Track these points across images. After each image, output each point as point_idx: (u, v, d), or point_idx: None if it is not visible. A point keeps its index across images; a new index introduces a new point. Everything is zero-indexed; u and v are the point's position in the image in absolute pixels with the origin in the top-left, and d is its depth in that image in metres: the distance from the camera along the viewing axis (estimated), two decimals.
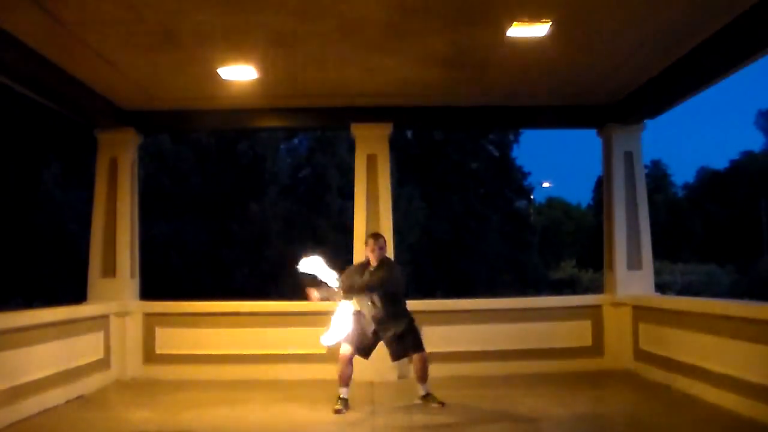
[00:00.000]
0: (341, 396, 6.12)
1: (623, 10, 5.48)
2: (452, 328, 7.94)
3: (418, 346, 6.19)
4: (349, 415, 5.98)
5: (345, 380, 6.15)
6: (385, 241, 6.45)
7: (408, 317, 6.24)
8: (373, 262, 6.25)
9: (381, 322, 6.14)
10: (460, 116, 8.62)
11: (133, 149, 8.37)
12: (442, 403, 6.14)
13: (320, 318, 7.91)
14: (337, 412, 6.00)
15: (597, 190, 40.30)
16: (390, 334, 6.13)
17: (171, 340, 7.91)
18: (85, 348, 7.08)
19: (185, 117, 8.44)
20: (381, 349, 6.28)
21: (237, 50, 6.32)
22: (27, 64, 6.13)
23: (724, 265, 31.93)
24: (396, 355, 6.26)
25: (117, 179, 8.17)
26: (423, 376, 6.23)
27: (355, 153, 8.37)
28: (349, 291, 6.07)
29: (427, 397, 6.22)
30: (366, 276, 6.17)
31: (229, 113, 8.31)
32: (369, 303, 6.14)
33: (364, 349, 6.22)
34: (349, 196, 9.38)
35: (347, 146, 22.55)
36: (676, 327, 6.86)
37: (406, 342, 6.15)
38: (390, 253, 8.06)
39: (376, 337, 6.21)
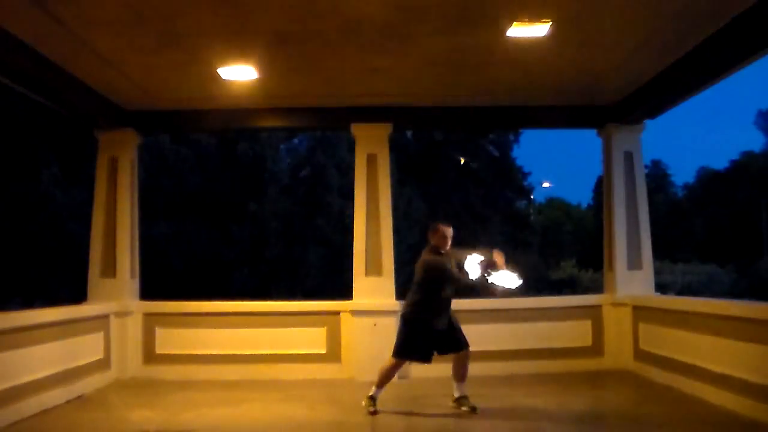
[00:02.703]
0: (375, 396, 5.99)
1: (623, 10, 5.48)
2: None
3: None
4: (350, 416, 5.97)
5: (386, 383, 6.07)
6: None
7: None
8: (446, 252, 6.13)
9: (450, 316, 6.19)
10: (460, 116, 8.61)
11: (133, 149, 8.39)
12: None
13: (320, 318, 7.99)
14: (374, 413, 5.91)
15: (597, 190, 40.37)
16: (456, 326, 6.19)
17: (171, 340, 7.92)
18: (85, 348, 7.09)
19: (185, 117, 8.44)
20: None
21: (237, 50, 6.32)
22: (27, 64, 6.13)
23: (724, 265, 31.91)
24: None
25: (117, 179, 8.18)
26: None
27: (355, 153, 8.37)
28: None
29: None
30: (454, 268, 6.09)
31: (229, 113, 8.31)
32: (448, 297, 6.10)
33: (440, 347, 6.08)
34: (349, 196, 9.37)
35: (347, 146, 22.54)
36: (676, 327, 6.86)
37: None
38: (390, 253, 8.08)
39: (448, 331, 6.11)
